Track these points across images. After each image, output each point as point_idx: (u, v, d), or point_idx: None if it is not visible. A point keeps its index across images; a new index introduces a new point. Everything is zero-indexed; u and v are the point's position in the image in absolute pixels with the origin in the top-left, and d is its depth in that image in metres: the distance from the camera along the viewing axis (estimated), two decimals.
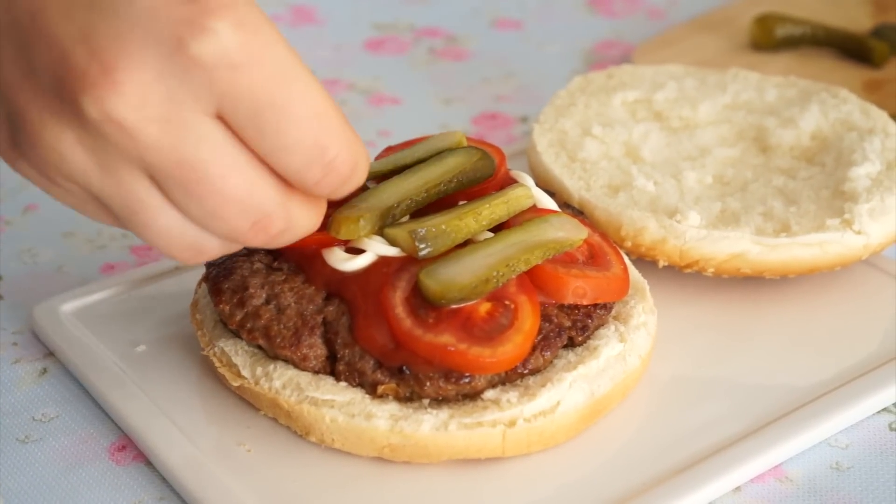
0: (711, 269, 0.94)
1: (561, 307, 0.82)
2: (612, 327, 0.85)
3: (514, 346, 0.77)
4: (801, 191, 0.98)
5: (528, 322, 0.79)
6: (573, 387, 0.80)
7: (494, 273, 0.79)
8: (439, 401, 0.79)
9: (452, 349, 0.76)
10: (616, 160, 1.02)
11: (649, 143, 1.04)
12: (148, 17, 0.60)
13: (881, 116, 1.07)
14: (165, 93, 0.61)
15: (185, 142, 0.62)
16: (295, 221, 0.69)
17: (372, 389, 0.79)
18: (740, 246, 0.92)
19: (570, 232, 0.84)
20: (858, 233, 0.93)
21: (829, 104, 1.08)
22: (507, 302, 0.79)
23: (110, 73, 0.60)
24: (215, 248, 0.69)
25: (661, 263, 0.95)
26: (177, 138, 0.62)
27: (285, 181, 0.68)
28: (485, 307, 0.79)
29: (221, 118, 0.64)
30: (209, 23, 0.60)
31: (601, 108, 1.09)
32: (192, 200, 0.65)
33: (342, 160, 0.67)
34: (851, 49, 1.34)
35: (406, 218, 0.85)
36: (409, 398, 0.79)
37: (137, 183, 0.64)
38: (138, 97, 0.61)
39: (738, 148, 1.05)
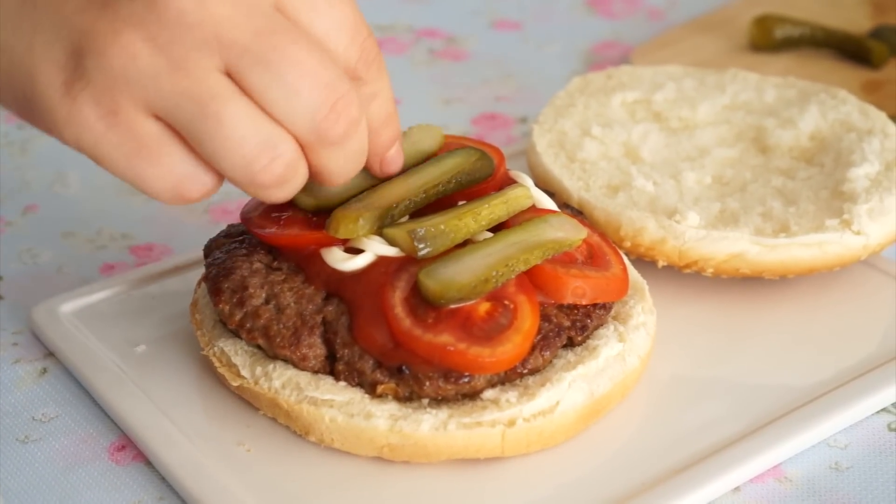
0: (710, 270, 0.94)
1: (560, 307, 0.82)
2: (612, 327, 0.85)
3: (513, 345, 0.77)
4: (800, 191, 0.98)
5: (527, 322, 0.79)
6: (572, 387, 0.80)
7: (494, 273, 0.79)
8: (438, 400, 0.79)
9: (452, 349, 0.76)
10: (615, 160, 1.02)
11: (648, 144, 1.04)
12: None
13: (880, 117, 1.07)
14: None
15: (257, 15, 0.66)
16: (362, 113, 0.72)
17: (371, 389, 0.79)
18: (739, 246, 0.93)
19: (569, 232, 0.84)
20: (857, 233, 0.93)
21: (828, 105, 1.08)
22: (506, 302, 0.79)
23: None
24: (289, 149, 0.69)
25: (661, 263, 0.95)
26: (249, 12, 0.66)
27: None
28: (484, 307, 0.79)
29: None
30: None
31: (600, 108, 1.09)
32: (269, 74, 0.67)
33: (351, 100, 0.70)
34: (850, 50, 1.34)
35: (405, 218, 0.85)
36: (408, 398, 0.79)
37: (209, 71, 0.66)
38: None
39: (737, 148, 1.05)
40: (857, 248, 0.94)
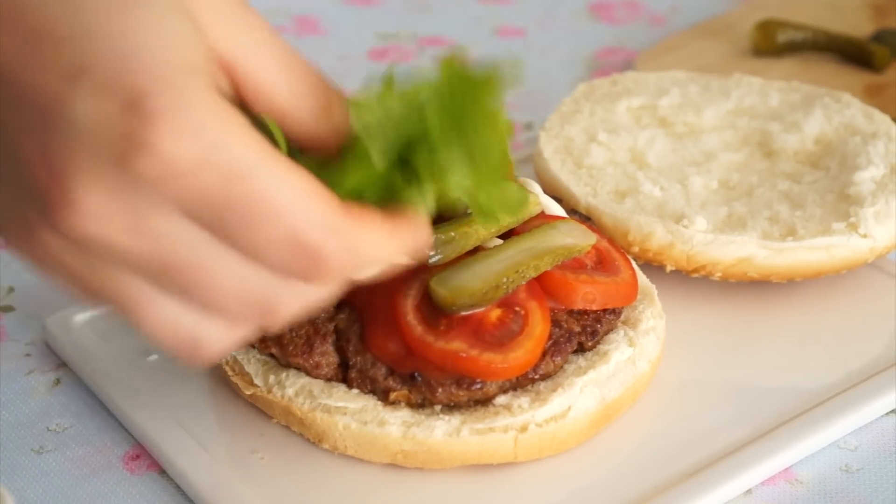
0: (718, 274, 0.94)
1: (570, 313, 0.83)
2: (622, 332, 0.85)
3: (524, 351, 0.78)
4: (806, 195, 0.99)
5: (538, 328, 0.79)
6: (584, 392, 0.81)
7: (504, 279, 0.79)
8: (451, 407, 0.80)
9: (464, 355, 0.77)
10: (622, 166, 1.02)
11: (655, 149, 1.04)
12: (92, 135, 0.59)
13: (884, 120, 1.07)
14: (125, 205, 0.59)
15: (161, 245, 0.60)
16: (309, 299, 0.65)
17: (384, 396, 0.80)
18: (747, 250, 0.93)
19: (578, 238, 0.84)
20: (864, 236, 0.94)
21: (832, 109, 1.09)
22: (517, 308, 0.80)
23: (67, 192, 0.59)
24: (218, 340, 0.65)
25: (669, 268, 0.95)
26: (151, 243, 0.60)
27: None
28: (495, 313, 0.79)
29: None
30: (145, 136, 0.58)
31: (606, 114, 1.09)
32: (188, 296, 0.62)
33: (331, 251, 0.61)
34: (852, 54, 1.35)
35: None
36: (421, 404, 0.80)
37: (127, 282, 0.62)
38: (99, 213, 0.59)
39: (743, 153, 1.06)
40: (863, 250, 0.95)
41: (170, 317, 0.63)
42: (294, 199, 0.61)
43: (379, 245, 0.65)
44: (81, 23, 0.60)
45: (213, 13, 0.63)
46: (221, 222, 0.60)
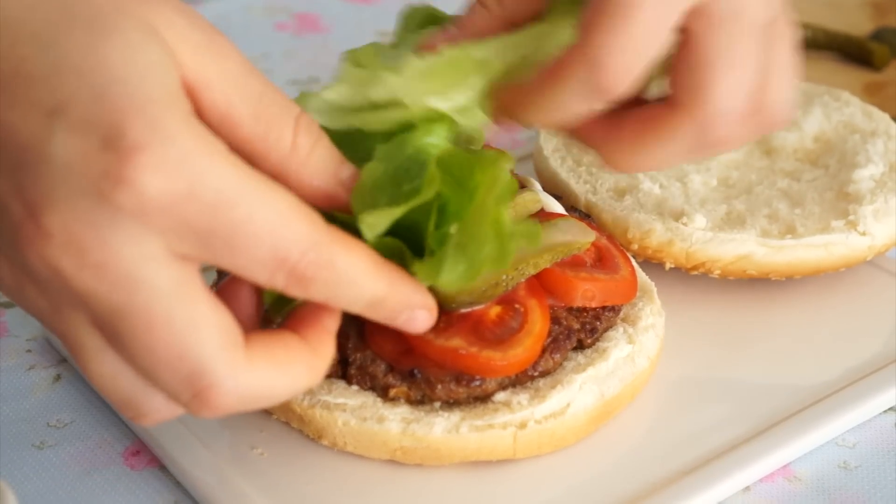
0: (718, 271, 0.95)
1: (570, 310, 0.83)
2: (621, 329, 0.86)
3: (524, 348, 0.78)
4: (805, 193, 0.99)
5: (537, 325, 0.79)
6: (583, 388, 0.81)
7: (504, 277, 0.80)
8: (450, 403, 0.80)
9: (463, 352, 0.77)
10: None
11: None
12: (70, 172, 0.59)
13: (883, 119, 1.08)
14: (99, 240, 0.60)
15: (119, 288, 0.60)
16: (251, 391, 0.64)
17: (383, 393, 0.80)
18: (746, 248, 0.93)
19: (577, 235, 0.85)
20: (863, 234, 0.94)
21: (831, 107, 1.09)
22: (516, 305, 0.80)
23: (42, 225, 0.60)
24: (157, 409, 0.65)
25: (668, 265, 0.95)
26: (112, 285, 0.60)
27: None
28: (495, 311, 0.80)
29: (175, 252, 0.62)
30: (125, 173, 0.58)
31: None
32: (126, 353, 0.63)
33: (310, 261, 0.63)
34: (852, 52, 1.35)
35: None
36: (420, 401, 0.80)
37: (81, 326, 0.63)
38: (71, 245, 0.60)
39: (742, 151, 1.06)
40: (862, 248, 0.95)
41: (111, 373, 0.64)
42: (278, 219, 0.62)
43: (359, 267, 0.66)
44: (54, 60, 0.60)
45: (183, 39, 0.63)
46: (207, 248, 0.61)
